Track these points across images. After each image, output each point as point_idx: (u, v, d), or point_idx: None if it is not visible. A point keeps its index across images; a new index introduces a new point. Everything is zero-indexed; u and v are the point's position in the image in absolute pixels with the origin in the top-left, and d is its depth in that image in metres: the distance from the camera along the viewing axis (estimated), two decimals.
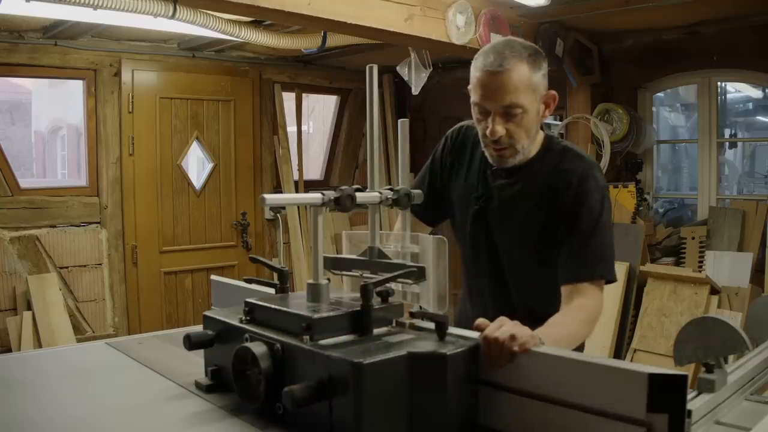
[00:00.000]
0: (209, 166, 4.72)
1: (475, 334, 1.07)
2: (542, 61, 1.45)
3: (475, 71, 1.44)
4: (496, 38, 3.37)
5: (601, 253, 1.44)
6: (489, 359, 1.02)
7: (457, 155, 1.65)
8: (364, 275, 1.22)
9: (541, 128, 1.54)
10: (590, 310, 1.40)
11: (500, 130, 1.42)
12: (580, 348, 1.55)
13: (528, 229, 1.51)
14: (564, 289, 1.43)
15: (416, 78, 3.74)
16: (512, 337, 1.00)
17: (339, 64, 5.10)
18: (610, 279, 1.46)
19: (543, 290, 1.48)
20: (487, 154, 1.51)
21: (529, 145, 1.49)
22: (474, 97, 1.45)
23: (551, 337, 1.17)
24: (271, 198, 1.09)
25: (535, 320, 1.25)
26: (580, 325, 1.39)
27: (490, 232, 1.56)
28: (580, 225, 1.44)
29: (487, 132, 1.44)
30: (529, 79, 1.41)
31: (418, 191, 1.26)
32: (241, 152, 4.79)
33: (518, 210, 1.52)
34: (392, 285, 1.12)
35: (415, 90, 3.81)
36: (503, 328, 1.03)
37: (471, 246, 1.61)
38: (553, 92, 1.49)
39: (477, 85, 1.44)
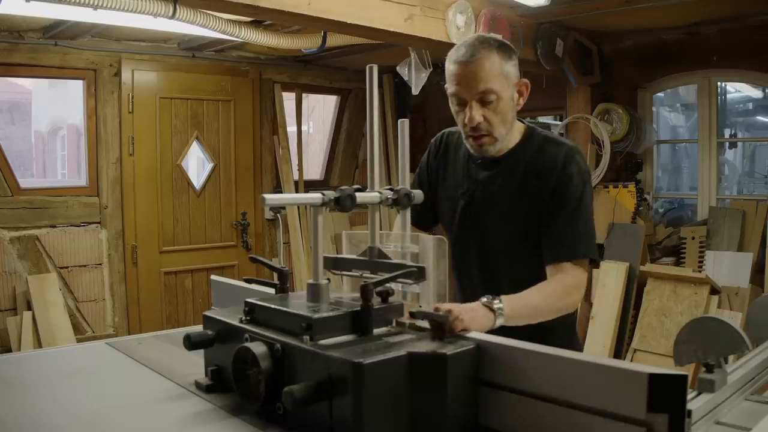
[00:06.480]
0: (209, 166, 4.72)
1: (474, 335, 1.07)
2: (512, 52, 1.53)
3: (449, 65, 1.53)
4: None
5: (583, 233, 1.50)
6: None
7: (441, 160, 1.72)
8: (364, 275, 1.22)
9: (520, 120, 1.60)
10: (567, 285, 1.46)
11: (478, 116, 1.48)
12: (579, 348, 1.56)
13: (514, 215, 1.55)
14: (548, 269, 1.49)
15: (416, 78, 3.74)
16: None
17: (339, 64, 5.10)
18: (593, 258, 1.52)
19: (531, 274, 1.51)
20: (467, 145, 1.57)
21: (508, 134, 1.55)
22: (450, 89, 1.53)
23: (510, 306, 1.29)
24: (271, 198, 1.08)
25: None
26: (551, 297, 1.44)
27: (478, 223, 1.60)
28: (563, 207, 1.49)
29: (466, 120, 1.49)
30: (500, 67, 1.48)
31: (419, 191, 1.27)
32: (241, 152, 4.79)
33: (503, 198, 1.57)
34: (392, 285, 1.12)
35: (415, 90, 3.81)
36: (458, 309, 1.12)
37: (460, 241, 1.64)
38: (525, 80, 1.56)
39: (452, 77, 1.52)
